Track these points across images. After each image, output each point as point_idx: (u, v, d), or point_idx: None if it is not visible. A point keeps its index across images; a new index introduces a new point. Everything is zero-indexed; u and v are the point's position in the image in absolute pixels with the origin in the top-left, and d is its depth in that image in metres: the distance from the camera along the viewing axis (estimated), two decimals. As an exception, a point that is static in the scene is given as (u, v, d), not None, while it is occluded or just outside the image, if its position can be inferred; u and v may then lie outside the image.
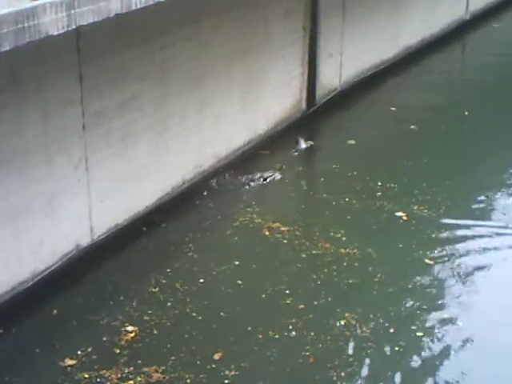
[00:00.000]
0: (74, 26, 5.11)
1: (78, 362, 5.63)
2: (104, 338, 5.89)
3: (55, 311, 6.21)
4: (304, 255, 7.06)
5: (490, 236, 7.49)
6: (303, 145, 9.24)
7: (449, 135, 9.81)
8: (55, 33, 4.94)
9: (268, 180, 8.29)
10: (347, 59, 10.58)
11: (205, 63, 8.01)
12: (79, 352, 5.73)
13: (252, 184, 8.17)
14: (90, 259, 6.80)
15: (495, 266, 7.04)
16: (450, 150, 9.38)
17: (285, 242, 7.27)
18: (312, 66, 9.84)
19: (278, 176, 8.44)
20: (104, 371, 5.52)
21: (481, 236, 7.50)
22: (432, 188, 8.34)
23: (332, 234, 7.38)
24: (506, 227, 7.67)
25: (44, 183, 6.32)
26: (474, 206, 8.05)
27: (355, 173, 8.69)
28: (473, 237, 7.48)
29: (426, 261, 7.00)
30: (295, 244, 7.22)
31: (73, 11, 5.04)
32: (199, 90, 8.02)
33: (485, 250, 7.28)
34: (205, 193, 8.14)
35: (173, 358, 5.68)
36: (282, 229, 7.46)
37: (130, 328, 5.97)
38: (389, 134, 9.93)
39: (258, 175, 8.30)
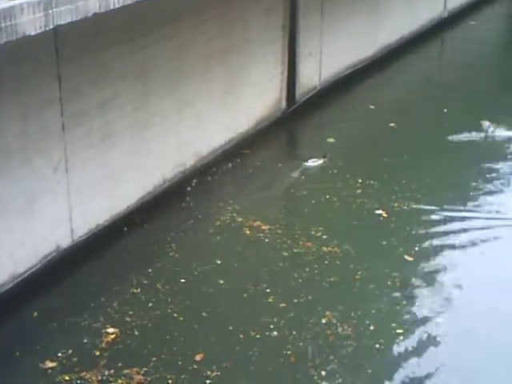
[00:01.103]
0: (51, 26, 5.06)
1: (58, 365, 5.61)
2: (85, 340, 5.87)
3: (35, 313, 6.17)
4: (285, 254, 7.08)
5: (469, 231, 7.56)
6: (491, 127, 9.17)
7: (428, 132, 9.89)
8: (32, 33, 4.90)
9: (314, 164, 8.82)
10: (326, 58, 10.62)
11: (185, 62, 8.00)
12: (60, 354, 5.71)
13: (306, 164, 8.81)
14: (71, 260, 6.77)
15: (475, 261, 7.11)
16: (429, 147, 9.45)
17: (266, 240, 7.28)
18: (292, 65, 9.86)
19: (321, 162, 8.84)
20: (85, 373, 5.50)
21: (461, 231, 7.56)
22: (412, 185, 8.40)
23: (313, 232, 7.41)
24: (485, 223, 7.74)
25: (24, 184, 6.28)
26: (453, 203, 8.12)
27: (335, 171, 8.74)
28: (452, 232, 7.55)
29: (406, 257, 7.06)
30: (277, 243, 7.24)
31: (50, 11, 4.99)
32: (180, 90, 8.00)
33: (465, 245, 7.34)
34: (186, 192, 8.13)
35: (154, 359, 5.67)
36: (263, 227, 7.48)
37: (110, 330, 5.95)
38: (368, 132, 9.99)
39: (306, 160, 8.90)
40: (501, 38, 14.80)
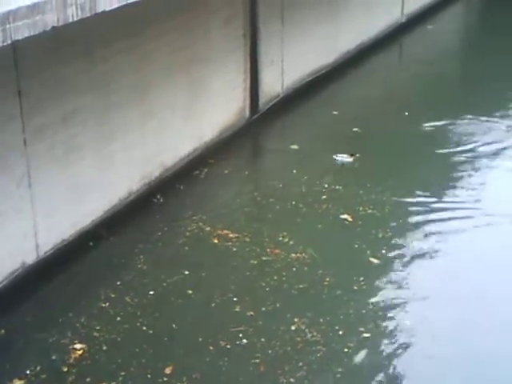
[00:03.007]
0: (9, 41, 5.01)
1: (26, 382, 5.54)
2: (53, 357, 5.81)
3: (2, 331, 6.09)
4: (254, 262, 7.10)
5: (435, 233, 7.66)
6: None
7: (391, 136, 10.03)
8: (-10, 49, 4.86)
9: (344, 160, 9.18)
10: (288, 65, 10.70)
11: (148, 74, 7.99)
12: (28, 372, 5.64)
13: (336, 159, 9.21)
14: (37, 276, 6.69)
15: (441, 263, 7.20)
16: (392, 150, 9.58)
17: (234, 249, 7.29)
18: (254, 74, 9.91)
19: (350, 159, 9.15)
20: (53, 391, 5.46)
21: (426, 233, 7.66)
22: (376, 188, 8.50)
23: (280, 238, 7.45)
24: (452, 223, 7.85)
25: (-15, 201, 6.21)
26: (418, 205, 8.23)
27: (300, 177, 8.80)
28: (418, 234, 7.64)
29: (373, 260, 7.13)
30: (245, 251, 7.26)
31: (8, 26, 4.94)
32: (144, 101, 7.98)
33: (431, 246, 7.42)
34: (153, 203, 8.11)
35: (123, 373, 5.63)
36: (231, 236, 7.49)
37: (78, 345, 5.90)
38: (332, 137, 10.06)
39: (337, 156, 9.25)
40: (456, 40, 15.10)
